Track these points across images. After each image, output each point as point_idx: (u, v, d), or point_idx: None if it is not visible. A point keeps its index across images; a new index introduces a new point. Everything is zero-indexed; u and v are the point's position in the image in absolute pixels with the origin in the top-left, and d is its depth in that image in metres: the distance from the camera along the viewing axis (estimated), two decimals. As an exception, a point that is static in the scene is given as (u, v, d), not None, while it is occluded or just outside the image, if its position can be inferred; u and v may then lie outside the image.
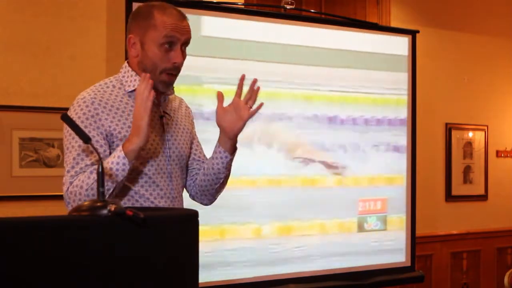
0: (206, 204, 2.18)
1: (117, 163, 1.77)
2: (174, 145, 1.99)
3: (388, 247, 3.80)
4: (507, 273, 4.33)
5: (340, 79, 3.63)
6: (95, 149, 1.57)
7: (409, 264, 3.88)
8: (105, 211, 1.30)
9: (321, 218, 3.54)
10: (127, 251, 1.30)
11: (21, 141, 3.17)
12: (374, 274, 3.70)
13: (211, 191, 2.10)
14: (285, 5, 3.59)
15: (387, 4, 4.47)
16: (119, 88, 1.93)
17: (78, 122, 1.80)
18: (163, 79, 1.91)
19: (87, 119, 1.83)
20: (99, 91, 1.90)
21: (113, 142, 1.86)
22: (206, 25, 3.20)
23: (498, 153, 5.09)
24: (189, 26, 1.95)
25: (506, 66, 5.15)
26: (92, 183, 1.74)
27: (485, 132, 4.99)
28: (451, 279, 4.81)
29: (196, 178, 2.12)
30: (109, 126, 1.85)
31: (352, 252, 3.65)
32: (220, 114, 1.99)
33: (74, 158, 1.81)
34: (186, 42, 1.94)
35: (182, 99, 2.17)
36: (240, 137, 2.04)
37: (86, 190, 1.75)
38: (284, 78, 3.45)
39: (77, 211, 1.34)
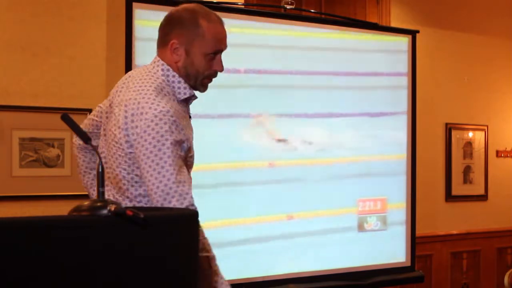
0: None
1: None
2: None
3: (388, 247, 3.80)
4: (507, 273, 4.34)
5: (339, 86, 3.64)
6: (95, 149, 1.57)
7: (409, 264, 3.88)
8: (105, 211, 1.30)
9: (321, 217, 3.54)
10: (127, 251, 1.30)
11: (21, 141, 3.17)
12: (374, 274, 3.70)
13: None
14: (285, 5, 3.59)
15: (387, 4, 4.47)
16: (173, 94, 1.94)
17: (175, 133, 1.79)
18: (205, 83, 2.02)
19: (182, 129, 1.83)
20: (167, 102, 1.84)
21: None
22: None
23: (498, 153, 5.09)
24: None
25: (506, 66, 5.14)
26: None
27: (485, 132, 4.99)
28: (451, 279, 4.80)
29: None
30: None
31: (352, 252, 3.65)
32: None
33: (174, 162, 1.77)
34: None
35: None
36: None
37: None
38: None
39: (77, 211, 1.34)
